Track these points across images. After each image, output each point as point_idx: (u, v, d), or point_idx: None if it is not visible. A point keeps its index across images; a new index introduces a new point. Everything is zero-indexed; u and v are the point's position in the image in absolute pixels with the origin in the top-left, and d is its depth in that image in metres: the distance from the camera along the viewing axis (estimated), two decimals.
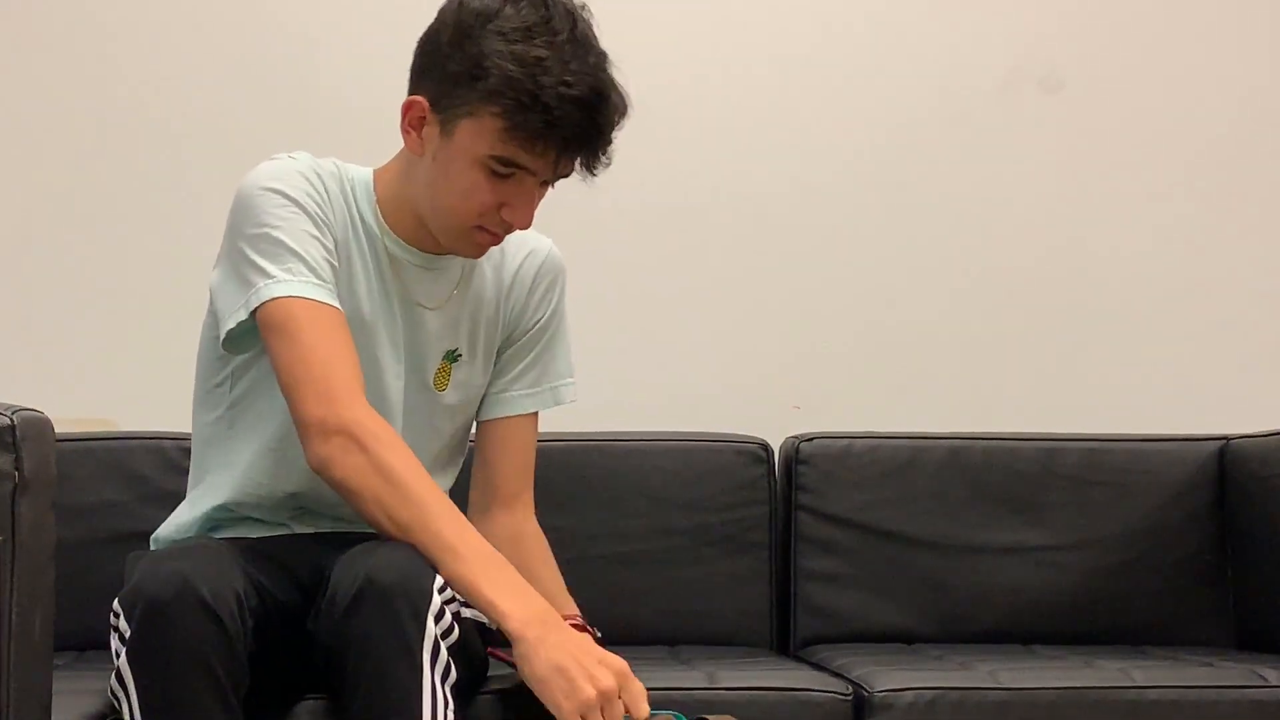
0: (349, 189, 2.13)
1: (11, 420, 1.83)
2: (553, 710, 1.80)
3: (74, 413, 2.87)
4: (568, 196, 3.11)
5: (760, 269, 3.28)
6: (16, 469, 1.82)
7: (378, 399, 2.10)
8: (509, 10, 1.96)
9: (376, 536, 2.02)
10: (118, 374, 3.11)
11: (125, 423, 2.96)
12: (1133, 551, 2.93)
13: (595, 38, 2.01)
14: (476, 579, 1.87)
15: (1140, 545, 2.93)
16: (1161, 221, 3.33)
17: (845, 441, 2.95)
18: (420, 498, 1.91)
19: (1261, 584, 2.85)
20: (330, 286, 2.03)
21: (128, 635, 1.77)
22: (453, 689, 1.86)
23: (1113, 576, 2.92)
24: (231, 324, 2.01)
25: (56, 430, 1.97)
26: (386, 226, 2.13)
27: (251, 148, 3.06)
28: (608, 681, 1.80)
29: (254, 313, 1.99)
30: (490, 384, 2.29)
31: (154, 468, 2.78)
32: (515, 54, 1.93)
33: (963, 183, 3.31)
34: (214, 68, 3.19)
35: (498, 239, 2.07)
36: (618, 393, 3.13)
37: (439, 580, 1.86)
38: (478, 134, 1.97)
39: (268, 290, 1.99)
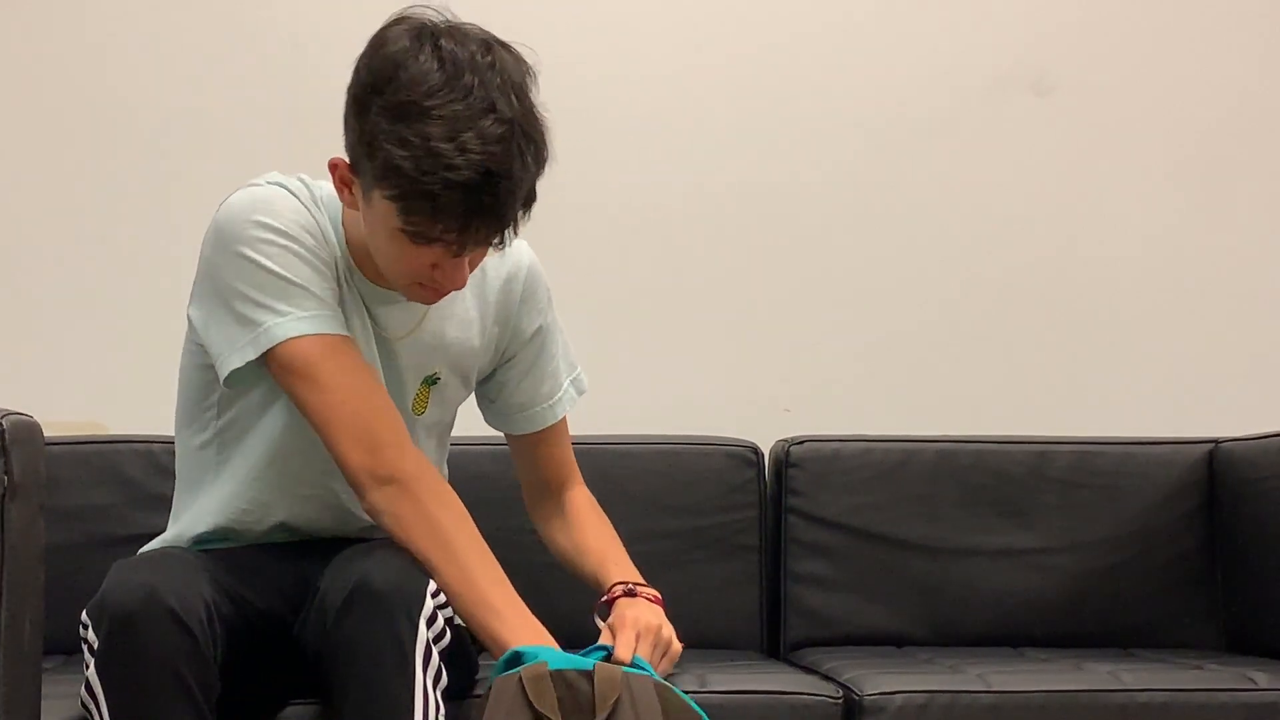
0: (324, 213, 2.07)
1: (0, 424, 1.83)
2: None
3: (64, 416, 2.87)
4: (559, 200, 3.11)
5: (750, 272, 3.28)
6: (6, 473, 1.82)
7: None
8: (403, 74, 1.85)
9: (362, 541, 2.02)
10: (108, 378, 3.11)
11: (115, 426, 2.96)
12: (1122, 554, 2.93)
13: (504, 87, 1.88)
14: (510, 642, 1.89)
15: (1130, 548, 2.93)
16: (1152, 225, 3.33)
17: (835, 444, 2.95)
18: (466, 558, 1.93)
19: (1251, 586, 2.86)
20: (338, 317, 2.01)
21: (96, 646, 1.77)
22: (444, 694, 1.86)
23: (1103, 579, 2.92)
24: (238, 363, 1.97)
25: (46, 434, 1.97)
26: (352, 261, 2.08)
27: (247, 150, 3.09)
28: None
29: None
30: (500, 402, 2.29)
31: (144, 471, 2.78)
32: (399, 136, 1.83)
33: (953, 186, 3.32)
34: (209, 70, 3.19)
35: (442, 291, 2.00)
36: (608, 396, 3.12)
37: (432, 585, 1.86)
38: (384, 209, 1.89)
39: (279, 330, 1.95)
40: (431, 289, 1.99)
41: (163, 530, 2.23)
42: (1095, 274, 3.32)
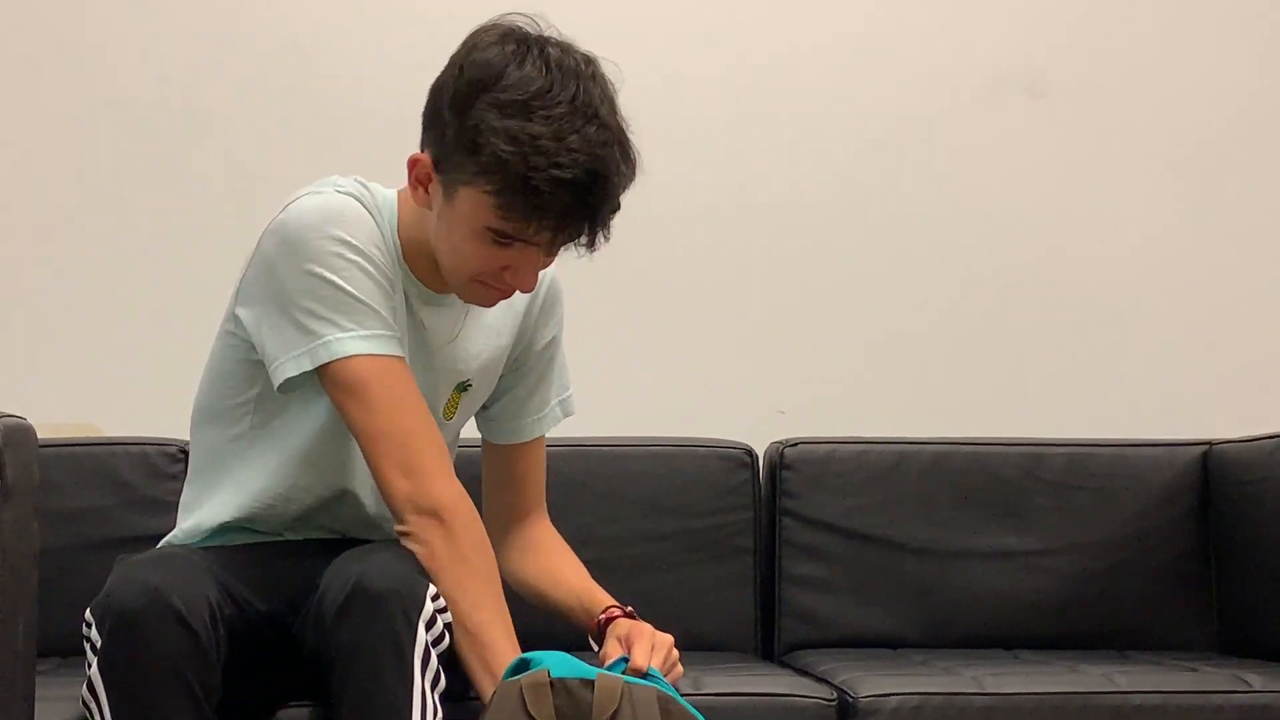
0: (383, 217, 2.08)
1: None
2: None
3: (58, 418, 2.86)
4: None
5: (745, 274, 3.28)
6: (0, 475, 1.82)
7: None
8: (511, 74, 1.90)
9: (366, 542, 2.03)
10: (102, 380, 3.11)
11: (109, 429, 2.95)
12: (1117, 556, 2.93)
13: (603, 98, 1.94)
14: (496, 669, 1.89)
15: (1124, 550, 2.93)
16: (1146, 227, 3.34)
17: (830, 447, 2.96)
18: (489, 604, 1.94)
19: (1245, 589, 2.86)
20: (397, 337, 2.02)
21: (99, 646, 1.77)
22: (442, 697, 1.86)
23: (1097, 581, 2.92)
24: (292, 371, 1.98)
25: (40, 436, 1.97)
26: (405, 263, 2.10)
27: (245, 154, 3.08)
28: None
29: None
30: (494, 408, 2.29)
31: (138, 474, 2.77)
32: (509, 131, 1.87)
33: (948, 189, 3.32)
34: (207, 72, 3.19)
35: (507, 293, 2.04)
36: (602, 398, 3.12)
37: (432, 588, 1.86)
38: (476, 205, 1.92)
39: (339, 346, 1.97)
40: (495, 289, 2.02)
41: (158, 532, 2.23)
42: (1090, 276, 3.32)
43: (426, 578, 1.87)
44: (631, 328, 3.24)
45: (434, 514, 1.95)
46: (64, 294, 3.15)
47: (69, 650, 2.59)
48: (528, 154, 1.86)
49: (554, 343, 2.29)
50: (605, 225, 1.96)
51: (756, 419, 3.15)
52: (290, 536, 2.15)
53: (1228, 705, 2.33)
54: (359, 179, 2.10)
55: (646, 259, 3.26)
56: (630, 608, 2.18)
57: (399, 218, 2.09)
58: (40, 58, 3.18)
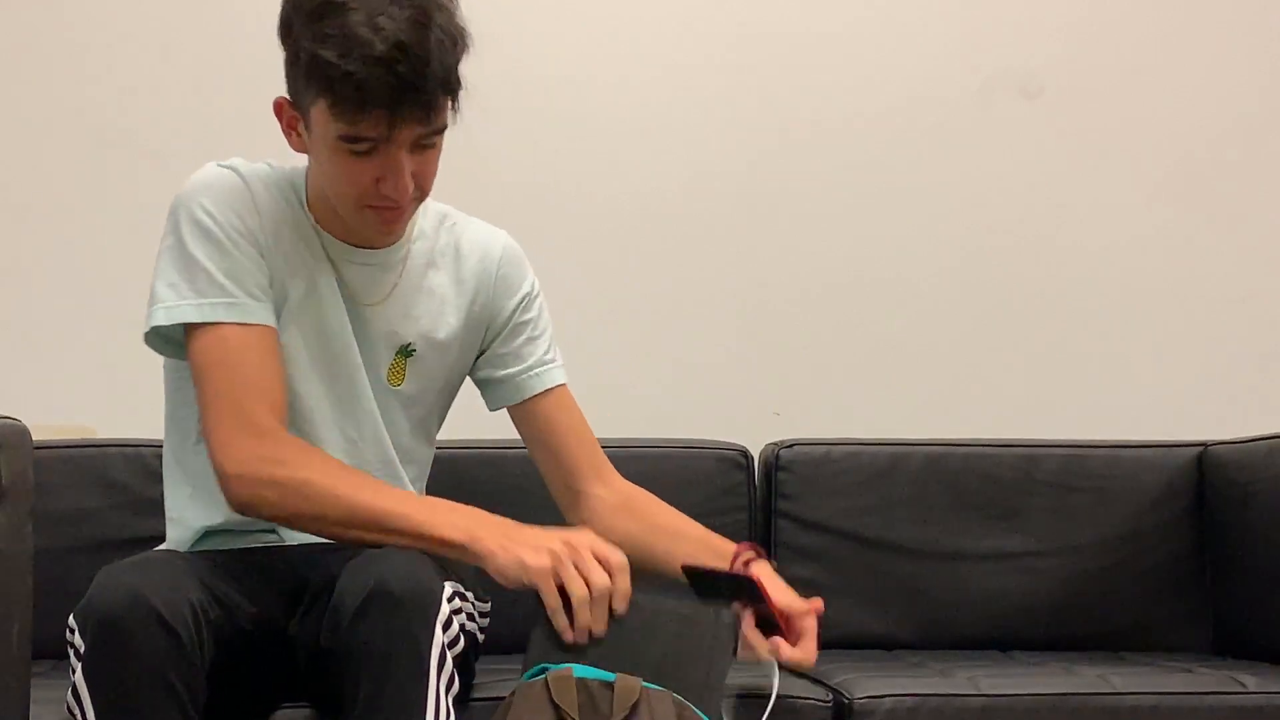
0: (288, 193, 2.15)
1: None
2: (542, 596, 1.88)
3: (52, 420, 2.86)
4: (549, 201, 3.12)
5: (740, 275, 3.28)
6: None
7: (347, 397, 2.16)
8: None
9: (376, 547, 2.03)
10: (96, 382, 3.10)
11: (104, 431, 2.95)
12: (1112, 557, 2.93)
13: None
14: (422, 525, 1.92)
15: (1119, 551, 2.94)
16: (1140, 227, 3.34)
17: (825, 448, 2.96)
18: (341, 494, 1.94)
19: (1240, 590, 2.86)
20: (238, 303, 2.05)
21: (83, 651, 1.76)
22: (455, 701, 1.86)
23: (1092, 582, 2.92)
24: (148, 333, 2.08)
25: (35, 438, 1.97)
26: (319, 226, 2.16)
27: (242, 155, 3.07)
28: (554, 544, 1.87)
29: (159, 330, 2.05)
30: (484, 371, 2.31)
31: (133, 476, 2.78)
32: (318, 32, 1.93)
33: (943, 190, 3.32)
34: (203, 74, 3.19)
35: (397, 211, 2.06)
36: (597, 399, 3.12)
37: (448, 589, 1.87)
38: (322, 120, 1.98)
39: (163, 314, 2.04)
40: (384, 209, 2.05)
41: (152, 534, 2.23)
42: (1085, 277, 3.32)
43: (443, 579, 1.87)
44: (627, 329, 3.24)
45: (251, 476, 1.96)
46: (59, 296, 3.15)
47: (64, 653, 2.58)
48: (339, 45, 1.91)
49: (528, 300, 2.30)
50: (443, 100, 1.98)
51: (752, 420, 3.15)
52: (288, 539, 2.15)
53: (1222, 706, 2.33)
54: (270, 162, 2.17)
55: (641, 260, 3.26)
56: (755, 543, 2.23)
57: (308, 183, 2.16)
58: (38, 57, 3.18)
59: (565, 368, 2.34)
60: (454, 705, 1.84)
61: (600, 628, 1.88)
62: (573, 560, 1.87)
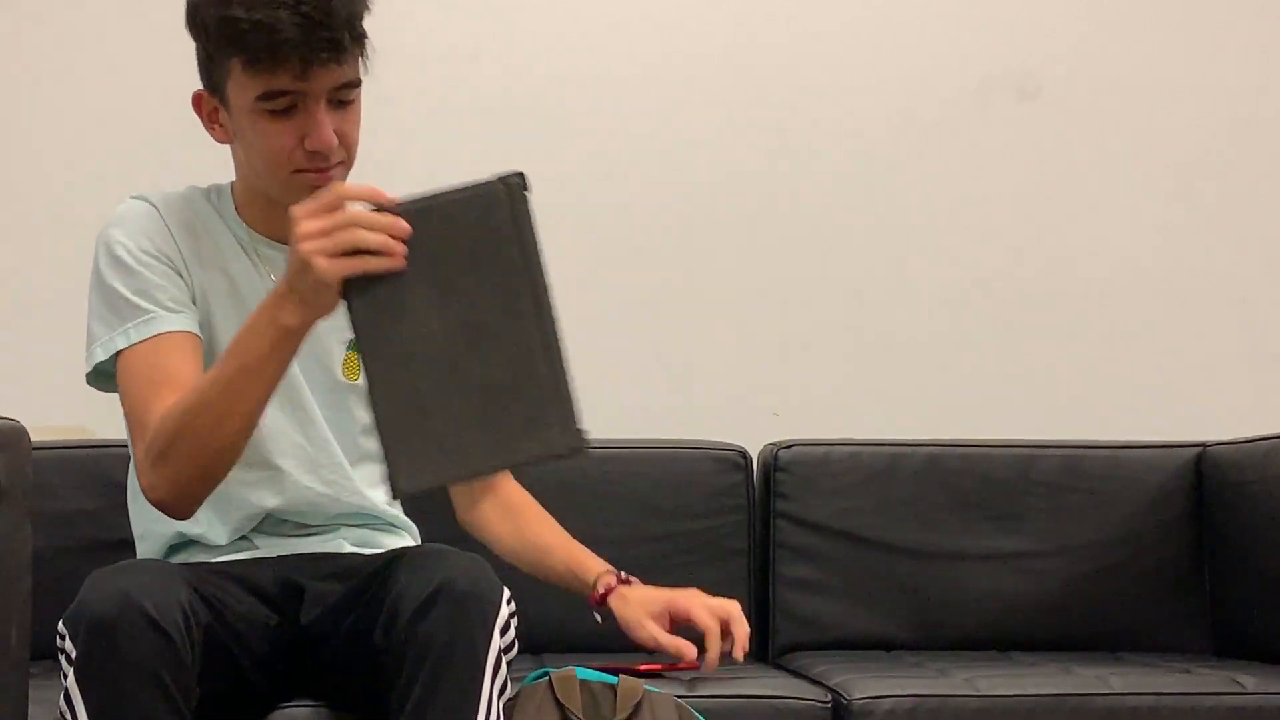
0: (214, 203, 2.19)
1: None
2: None
3: (50, 421, 2.85)
4: (546, 201, 3.09)
5: (738, 276, 3.28)
6: None
7: (293, 401, 2.16)
8: None
9: (340, 559, 2.04)
10: None
11: (102, 431, 2.94)
12: (1110, 558, 2.93)
13: None
14: (246, 349, 1.88)
15: (1118, 552, 2.93)
16: (1138, 227, 3.34)
17: (823, 448, 2.95)
18: (189, 406, 1.91)
19: (1239, 590, 2.86)
20: (151, 314, 2.07)
21: (74, 655, 1.76)
22: (505, 705, 1.87)
23: (1090, 583, 2.92)
24: (88, 369, 2.12)
25: (33, 439, 1.97)
26: (253, 230, 2.17)
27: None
28: (309, 242, 1.76)
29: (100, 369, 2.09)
30: None
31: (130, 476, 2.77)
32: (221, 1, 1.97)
33: (939, 189, 3.31)
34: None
35: (323, 174, 2.05)
36: (595, 400, 3.11)
37: (506, 592, 1.88)
38: (239, 85, 2.00)
39: (100, 351, 2.09)
40: (312, 172, 2.04)
41: None
42: (1082, 277, 3.32)
43: (501, 583, 1.89)
44: (625, 329, 3.23)
45: (153, 440, 1.95)
46: (56, 297, 3.14)
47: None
48: (245, 2, 1.95)
49: None
50: (354, 48, 2.00)
51: (750, 421, 3.15)
52: (265, 552, 2.16)
53: (1221, 706, 2.34)
54: (194, 186, 2.22)
55: (639, 261, 3.26)
56: (622, 573, 2.25)
57: (234, 194, 2.20)
58: (34, 57, 3.18)
59: None
60: (504, 710, 1.85)
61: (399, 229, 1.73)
62: (337, 231, 1.75)
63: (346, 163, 2.08)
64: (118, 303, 2.08)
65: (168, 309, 2.08)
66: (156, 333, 2.06)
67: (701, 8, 3.31)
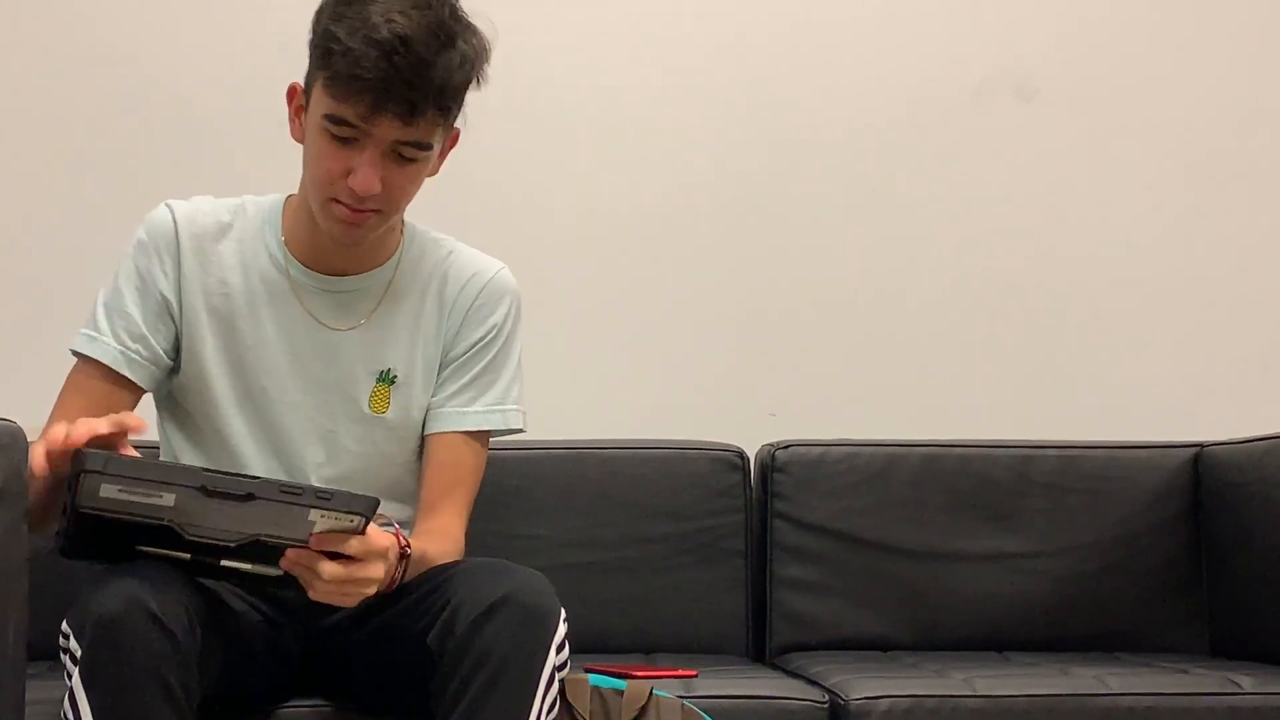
0: (254, 226, 2.20)
1: None
2: None
3: (46, 421, 2.85)
4: (545, 204, 3.12)
5: (736, 277, 3.28)
6: None
7: (302, 431, 2.16)
8: None
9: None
10: None
11: None
12: (1108, 558, 2.93)
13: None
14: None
15: (1115, 552, 2.94)
16: (1136, 228, 3.34)
17: (821, 449, 2.96)
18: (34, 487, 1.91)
19: (1236, 591, 2.86)
20: (95, 336, 2.15)
21: (79, 654, 1.76)
22: None
23: (1088, 583, 2.92)
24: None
25: (30, 439, 1.96)
26: (291, 254, 2.18)
27: (237, 156, 3.07)
28: None
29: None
30: (431, 400, 2.26)
31: None
32: (338, 13, 2.00)
33: (937, 190, 3.32)
34: (197, 74, 3.18)
35: (356, 214, 2.06)
36: (593, 401, 3.13)
37: (564, 611, 1.89)
38: (317, 98, 2.03)
39: (78, 336, 2.18)
40: (346, 207, 2.05)
41: None
42: (1080, 277, 3.32)
43: (559, 603, 1.90)
44: (623, 330, 3.23)
45: None
46: (53, 296, 3.14)
47: (58, 654, 2.58)
48: (349, 26, 1.97)
49: (497, 340, 2.25)
50: (432, 112, 2.00)
51: (748, 421, 3.15)
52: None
53: (1218, 707, 2.34)
54: (250, 198, 2.25)
55: (637, 262, 3.26)
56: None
57: (285, 214, 2.21)
58: (27, 56, 3.18)
59: (522, 401, 2.29)
60: None
61: None
62: None
63: (384, 211, 2.07)
64: (98, 305, 2.16)
65: (118, 340, 2.14)
66: (92, 356, 2.14)
67: (699, 11, 3.31)
